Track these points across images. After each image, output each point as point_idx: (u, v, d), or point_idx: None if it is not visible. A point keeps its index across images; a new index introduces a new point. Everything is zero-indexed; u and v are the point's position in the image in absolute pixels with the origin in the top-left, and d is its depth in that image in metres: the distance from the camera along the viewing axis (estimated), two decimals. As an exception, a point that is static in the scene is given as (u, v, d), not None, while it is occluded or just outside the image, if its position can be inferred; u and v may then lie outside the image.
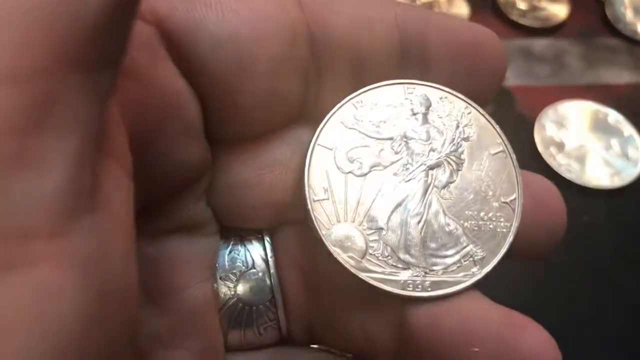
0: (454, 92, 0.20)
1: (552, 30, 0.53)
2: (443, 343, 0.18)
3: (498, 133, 0.20)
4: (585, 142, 0.46)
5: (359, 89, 0.19)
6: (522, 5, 0.54)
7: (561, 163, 0.45)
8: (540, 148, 0.45)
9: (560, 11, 0.54)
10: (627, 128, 0.47)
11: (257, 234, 0.21)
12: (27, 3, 0.10)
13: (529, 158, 0.45)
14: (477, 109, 0.20)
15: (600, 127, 0.47)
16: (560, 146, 0.46)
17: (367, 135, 0.20)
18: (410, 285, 0.19)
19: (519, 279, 0.39)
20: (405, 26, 0.19)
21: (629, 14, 0.54)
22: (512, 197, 0.19)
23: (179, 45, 0.17)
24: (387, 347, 0.20)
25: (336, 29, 0.18)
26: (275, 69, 0.17)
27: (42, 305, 0.10)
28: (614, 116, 0.47)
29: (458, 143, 0.20)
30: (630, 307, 0.40)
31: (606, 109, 0.48)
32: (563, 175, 0.44)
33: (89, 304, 0.11)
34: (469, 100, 0.20)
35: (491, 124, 0.20)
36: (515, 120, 0.47)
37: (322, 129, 0.19)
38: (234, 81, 0.17)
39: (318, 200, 0.19)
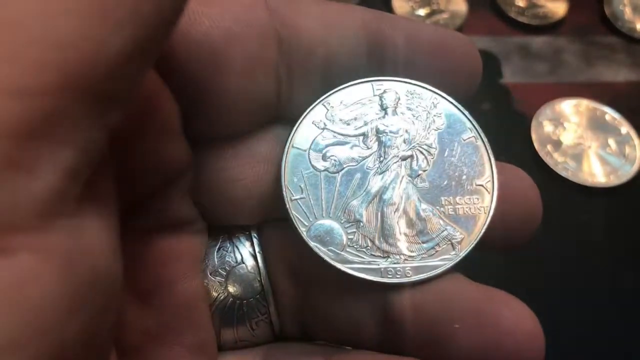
0: (422, 84, 0.20)
1: (550, 27, 0.53)
2: (425, 324, 0.19)
3: (468, 119, 0.20)
4: (582, 140, 0.46)
5: (328, 87, 0.20)
6: (521, 3, 0.53)
7: (558, 161, 0.45)
8: (536, 146, 0.45)
9: (558, 8, 0.53)
10: (624, 126, 0.47)
11: (245, 231, 0.22)
12: (57, 28, 0.11)
13: (526, 156, 0.45)
14: (445, 98, 0.20)
15: (598, 125, 0.47)
16: (557, 144, 0.46)
17: (339, 134, 0.20)
18: (391, 273, 0.20)
19: (513, 277, 0.39)
20: (372, 28, 0.19)
21: (627, 12, 0.54)
22: (486, 179, 0.20)
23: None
24: (373, 333, 0.20)
25: (304, 31, 0.19)
26: (247, 68, 0.18)
27: (21, 290, 0.11)
28: (611, 114, 0.47)
29: (429, 132, 0.20)
30: (627, 305, 0.40)
31: (603, 107, 0.48)
32: (559, 173, 0.44)
33: (69, 293, 0.11)
34: (436, 91, 0.20)
35: (461, 111, 0.20)
36: (512, 117, 0.47)
37: (295, 130, 0.20)
38: (210, 80, 0.18)
39: (296, 199, 0.20)
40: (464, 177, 0.20)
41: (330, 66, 0.19)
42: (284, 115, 0.20)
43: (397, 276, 0.20)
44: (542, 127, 0.46)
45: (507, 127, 0.45)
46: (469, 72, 0.20)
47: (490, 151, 0.20)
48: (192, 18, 0.17)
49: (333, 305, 0.21)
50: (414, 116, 0.20)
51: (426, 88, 0.20)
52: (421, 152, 0.20)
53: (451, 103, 0.20)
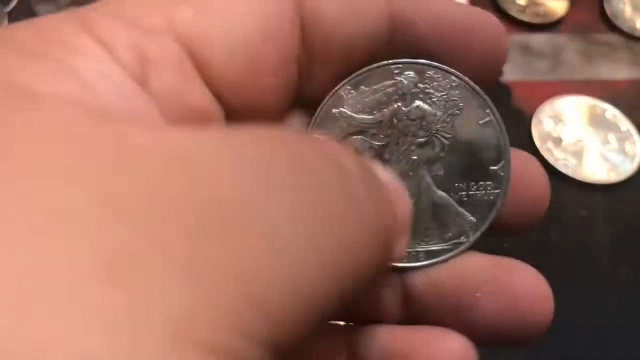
0: (441, 66, 0.20)
1: (551, 25, 0.53)
2: (446, 297, 0.20)
3: (486, 102, 0.20)
4: (582, 137, 0.46)
5: (347, 73, 0.20)
6: (521, 1, 0.54)
7: (558, 158, 0.45)
8: (537, 143, 0.45)
9: (559, 7, 0.54)
10: (625, 123, 0.47)
11: None
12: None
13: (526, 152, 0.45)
14: (464, 81, 0.20)
15: (598, 122, 0.47)
16: (557, 141, 0.46)
17: (357, 122, 0.20)
18: (404, 257, 0.20)
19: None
20: (395, 11, 0.19)
21: (627, 10, 0.54)
22: (500, 164, 0.20)
23: (198, 58, 0.17)
24: (393, 313, 0.21)
25: (326, 16, 0.18)
26: (280, 62, 0.18)
27: None
28: (611, 111, 0.48)
29: (447, 118, 0.20)
30: (627, 301, 0.40)
31: (604, 104, 0.48)
32: (560, 170, 0.44)
33: None
34: (456, 73, 0.20)
35: (479, 94, 0.20)
36: (512, 115, 0.47)
37: (315, 120, 0.20)
38: (248, 83, 0.18)
39: None
40: (479, 163, 0.20)
41: (349, 51, 0.19)
42: (303, 101, 0.20)
43: (412, 261, 0.20)
44: (543, 124, 0.46)
45: (507, 124, 0.45)
46: (494, 57, 0.20)
47: (506, 137, 0.20)
48: (229, 21, 0.17)
49: None
50: (432, 101, 0.20)
51: (445, 70, 0.20)
52: (438, 139, 0.20)
53: (470, 86, 0.20)
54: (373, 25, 0.19)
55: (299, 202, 0.12)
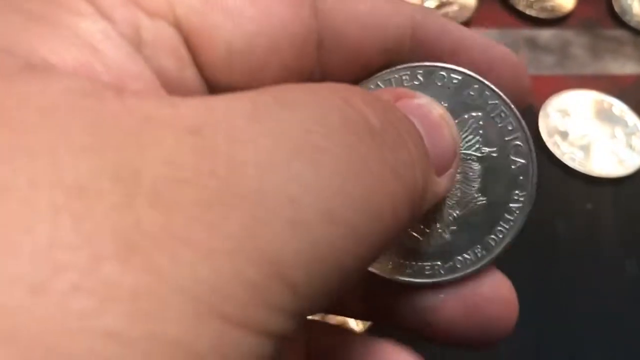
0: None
1: (558, 21, 0.53)
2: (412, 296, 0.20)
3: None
4: (589, 131, 0.47)
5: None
6: (529, -4, 0.54)
7: (565, 152, 0.45)
8: (544, 136, 0.46)
9: (566, 2, 0.54)
10: (632, 118, 0.47)
11: None
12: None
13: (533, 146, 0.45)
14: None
15: (605, 116, 0.47)
16: (564, 135, 0.46)
17: None
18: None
19: (520, 266, 0.39)
20: (419, 33, 0.18)
21: (635, 6, 0.54)
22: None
23: (195, 50, 0.16)
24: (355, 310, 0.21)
25: (347, 37, 0.17)
26: (283, 78, 0.17)
27: None
28: (618, 106, 0.48)
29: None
30: (634, 295, 0.40)
31: (611, 99, 0.48)
32: (567, 163, 0.44)
33: None
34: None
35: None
36: (520, 108, 0.47)
37: None
38: (245, 86, 0.16)
39: None
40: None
41: (364, 70, 0.19)
42: None
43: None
44: (549, 118, 0.47)
45: (515, 118, 0.46)
46: (516, 92, 0.19)
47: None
48: (237, 22, 0.16)
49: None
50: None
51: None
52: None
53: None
54: (395, 45, 0.18)
55: (318, 169, 0.12)
